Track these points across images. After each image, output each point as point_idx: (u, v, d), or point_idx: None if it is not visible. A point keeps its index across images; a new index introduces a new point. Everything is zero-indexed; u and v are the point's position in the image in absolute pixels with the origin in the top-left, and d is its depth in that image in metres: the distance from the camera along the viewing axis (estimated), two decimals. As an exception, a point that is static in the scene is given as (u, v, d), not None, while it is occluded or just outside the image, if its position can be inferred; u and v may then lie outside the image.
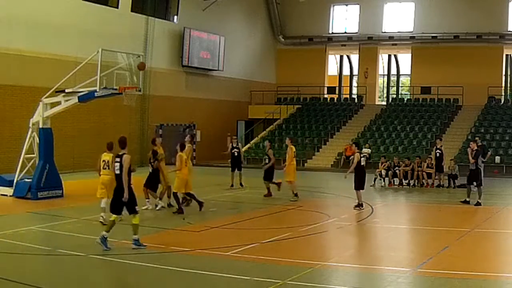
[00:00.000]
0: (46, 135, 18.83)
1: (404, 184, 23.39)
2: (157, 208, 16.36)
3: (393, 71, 45.12)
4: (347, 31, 40.72)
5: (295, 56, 41.13)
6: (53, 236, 13.28)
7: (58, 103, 18.98)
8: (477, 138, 24.96)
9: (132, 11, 30.58)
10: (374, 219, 15.81)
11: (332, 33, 40.98)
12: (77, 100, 18.58)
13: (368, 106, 38.73)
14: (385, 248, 12.56)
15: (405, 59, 42.89)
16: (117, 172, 11.52)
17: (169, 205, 16.75)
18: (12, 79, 24.57)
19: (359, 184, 17.10)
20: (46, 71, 24.51)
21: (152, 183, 16.48)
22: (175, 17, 34.15)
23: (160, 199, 16.68)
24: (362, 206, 17.05)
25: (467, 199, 18.31)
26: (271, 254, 11.31)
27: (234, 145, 22.69)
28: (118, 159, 11.56)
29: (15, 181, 18.75)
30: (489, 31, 35.98)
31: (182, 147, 16.20)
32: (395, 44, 39.85)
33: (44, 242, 12.64)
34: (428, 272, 10.06)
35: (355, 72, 43.45)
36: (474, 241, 12.97)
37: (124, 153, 11.57)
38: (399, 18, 39.12)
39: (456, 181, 23.01)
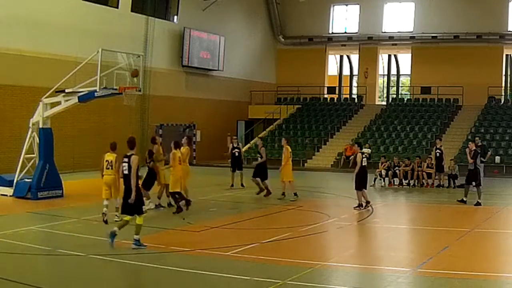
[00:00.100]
0: (46, 135, 18.82)
1: (404, 184, 23.39)
2: (147, 208, 16.30)
3: (393, 71, 45.08)
4: (347, 31, 40.68)
5: (295, 56, 41.08)
6: (53, 236, 13.28)
7: (58, 103, 18.98)
8: (477, 138, 24.99)
9: (132, 11, 30.56)
10: (374, 219, 15.82)
11: (332, 33, 40.94)
12: (77, 100, 18.58)
13: (368, 106, 38.70)
14: (385, 248, 12.56)
15: (405, 59, 42.84)
16: (125, 172, 11.50)
17: (169, 204, 16.76)
18: (12, 79, 24.56)
19: (360, 184, 17.11)
20: (46, 71, 24.47)
21: (147, 183, 16.46)
22: (175, 17, 34.13)
23: (159, 198, 16.67)
24: (362, 206, 17.08)
25: (464, 199, 18.39)
26: (271, 254, 11.31)
27: (235, 145, 22.68)
28: (126, 160, 11.53)
29: (15, 181, 18.74)
30: (489, 31, 35.97)
31: (176, 145, 16.19)
32: (395, 44, 39.82)
33: (44, 242, 12.63)
34: (428, 272, 10.06)
35: (355, 72, 43.41)
36: (474, 241, 12.96)
37: (132, 154, 11.54)
38: (399, 18, 39.08)
39: (456, 181, 23.01)
